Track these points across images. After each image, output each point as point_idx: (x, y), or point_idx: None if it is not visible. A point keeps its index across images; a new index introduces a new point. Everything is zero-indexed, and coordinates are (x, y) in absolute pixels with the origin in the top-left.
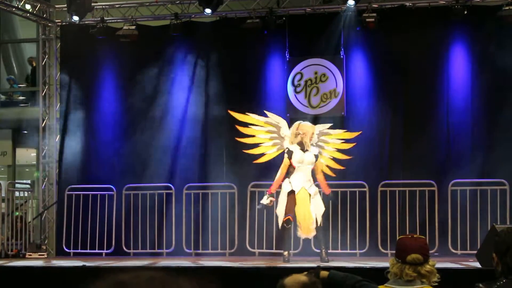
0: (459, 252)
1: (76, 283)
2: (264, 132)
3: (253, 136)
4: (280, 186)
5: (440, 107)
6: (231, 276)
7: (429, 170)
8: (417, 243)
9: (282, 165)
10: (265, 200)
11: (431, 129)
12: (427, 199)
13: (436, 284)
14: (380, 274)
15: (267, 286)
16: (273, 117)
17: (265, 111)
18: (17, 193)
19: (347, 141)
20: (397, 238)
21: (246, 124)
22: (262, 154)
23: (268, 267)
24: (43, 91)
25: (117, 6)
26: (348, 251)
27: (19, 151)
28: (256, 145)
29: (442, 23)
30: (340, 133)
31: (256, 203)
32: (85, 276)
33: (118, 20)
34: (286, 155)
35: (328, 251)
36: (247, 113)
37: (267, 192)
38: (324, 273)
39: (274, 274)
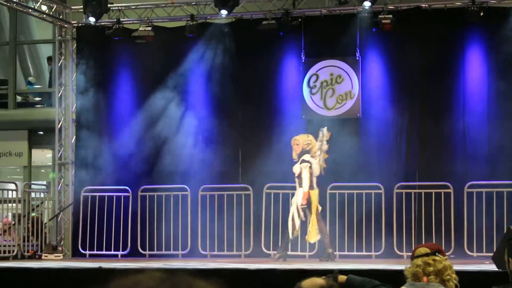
0: (475, 254)
1: (92, 285)
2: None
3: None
4: None
5: (456, 109)
6: (247, 278)
7: (445, 172)
8: (427, 243)
9: None
10: None
11: (447, 130)
12: (443, 201)
13: (454, 287)
14: (396, 276)
15: None
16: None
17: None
18: (33, 194)
19: (327, 142)
20: (413, 240)
21: None
22: None
23: (285, 270)
24: (59, 92)
25: (133, 7)
26: (364, 253)
27: (35, 152)
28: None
29: (458, 24)
30: (328, 134)
31: (272, 205)
32: (101, 278)
33: (134, 21)
34: None
35: (344, 253)
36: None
37: None
38: (342, 277)
39: (291, 276)
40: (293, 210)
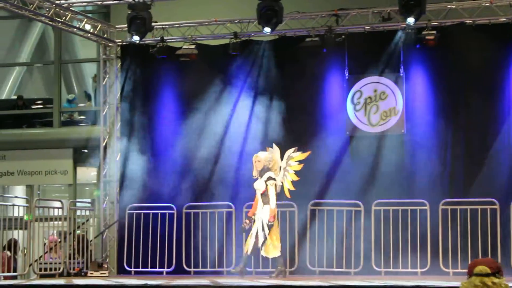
0: None
1: None
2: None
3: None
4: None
5: (502, 124)
6: None
7: (491, 188)
8: (486, 259)
9: None
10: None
11: (493, 146)
12: (489, 217)
13: None
14: None
15: None
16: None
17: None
18: (78, 212)
19: (300, 162)
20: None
21: None
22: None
23: (332, 286)
24: (104, 110)
25: (176, 25)
26: (410, 269)
27: (80, 170)
28: None
29: (502, 39)
30: (298, 155)
31: (317, 221)
32: None
33: (178, 40)
34: None
35: (389, 269)
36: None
37: None
38: None
39: None
40: (257, 226)
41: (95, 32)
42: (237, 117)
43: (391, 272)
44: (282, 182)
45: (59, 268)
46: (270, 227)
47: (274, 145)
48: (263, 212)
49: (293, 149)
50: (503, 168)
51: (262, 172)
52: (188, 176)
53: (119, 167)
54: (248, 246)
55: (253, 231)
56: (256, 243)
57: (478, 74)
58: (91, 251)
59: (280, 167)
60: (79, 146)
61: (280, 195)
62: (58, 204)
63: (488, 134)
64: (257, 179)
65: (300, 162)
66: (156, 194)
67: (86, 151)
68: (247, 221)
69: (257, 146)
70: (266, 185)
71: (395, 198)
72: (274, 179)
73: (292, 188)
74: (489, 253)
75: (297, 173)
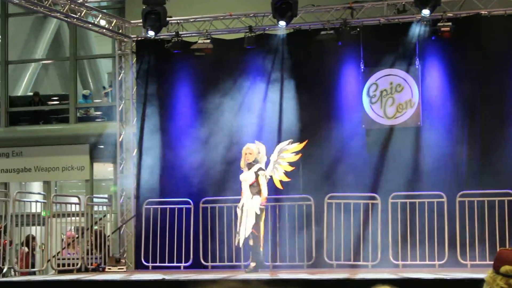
0: None
1: None
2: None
3: None
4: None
5: None
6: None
7: (508, 180)
8: None
9: None
10: None
11: (509, 137)
12: (507, 208)
13: None
14: (462, 286)
15: None
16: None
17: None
18: (95, 208)
19: (296, 153)
20: (476, 249)
21: None
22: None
23: (350, 279)
24: (120, 105)
25: (191, 20)
26: (427, 262)
27: (96, 166)
28: None
29: None
30: (294, 146)
31: (333, 214)
32: None
33: (193, 34)
34: None
35: (407, 262)
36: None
37: None
38: None
39: (358, 286)
40: (245, 217)
41: (110, 28)
42: (252, 110)
43: (409, 264)
44: (271, 176)
45: (77, 264)
46: (258, 216)
47: (256, 141)
48: (253, 203)
49: (287, 141)
50: None
51: (252, 164)
52: (205, 170)
53: (135, 162)
54: (241, 237)
55: (243, 222)
56: (245, 232)
57: (494, 66)
58: (108, 246)
59: (270, 161)
60: (95, 142)
61: (271, 187)
62: (75, 199)
63: (505, 126)
64: (242, 171)
65: (297, 153)
66: (173, 188)
67: (102, 146)
68: None
69: (273, 140)
70: (258, 175)
71: (412, 190)
72: (264, 170)
73: (286, 179)
74: (507, 245)
75: (292, 164)
